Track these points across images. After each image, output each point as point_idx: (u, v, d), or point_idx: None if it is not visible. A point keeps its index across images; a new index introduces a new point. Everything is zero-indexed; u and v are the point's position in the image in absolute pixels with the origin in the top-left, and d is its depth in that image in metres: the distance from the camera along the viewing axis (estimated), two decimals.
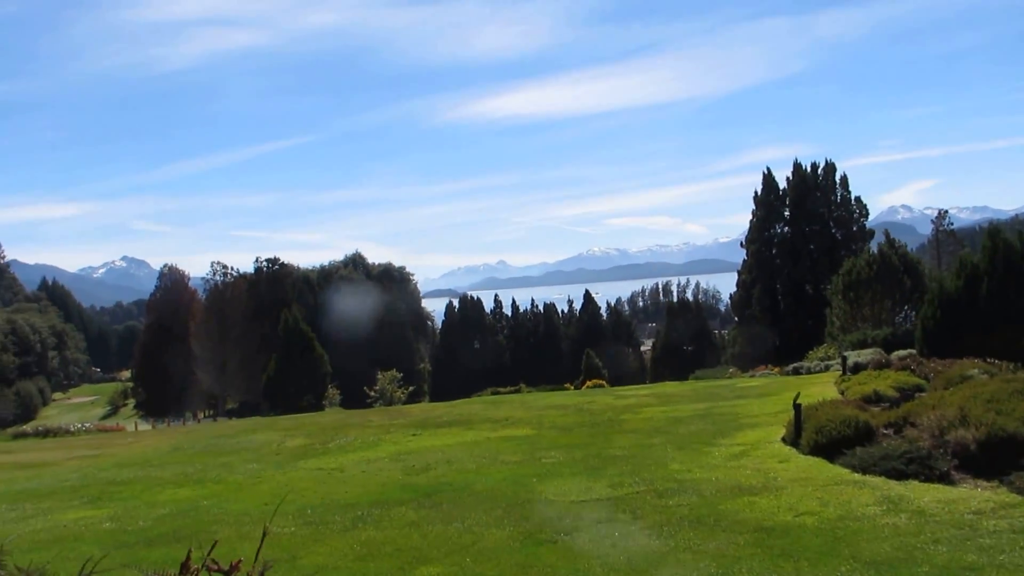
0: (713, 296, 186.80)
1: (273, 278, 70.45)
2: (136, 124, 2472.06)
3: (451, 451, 16.52)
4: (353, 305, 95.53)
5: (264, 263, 71.44)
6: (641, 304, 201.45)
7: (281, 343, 48.96)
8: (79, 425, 46.51)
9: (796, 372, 33.31)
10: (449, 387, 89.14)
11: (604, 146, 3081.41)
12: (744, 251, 63.17)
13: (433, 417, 22.47)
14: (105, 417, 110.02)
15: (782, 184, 61.70)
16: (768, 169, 62.36)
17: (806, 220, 60.29)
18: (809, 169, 60.75)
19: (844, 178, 60.00)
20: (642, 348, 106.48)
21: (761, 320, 59.65)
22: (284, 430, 22.50)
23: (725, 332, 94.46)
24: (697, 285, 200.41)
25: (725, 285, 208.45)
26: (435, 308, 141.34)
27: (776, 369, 37.57)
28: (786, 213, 61.47)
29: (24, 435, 43.34)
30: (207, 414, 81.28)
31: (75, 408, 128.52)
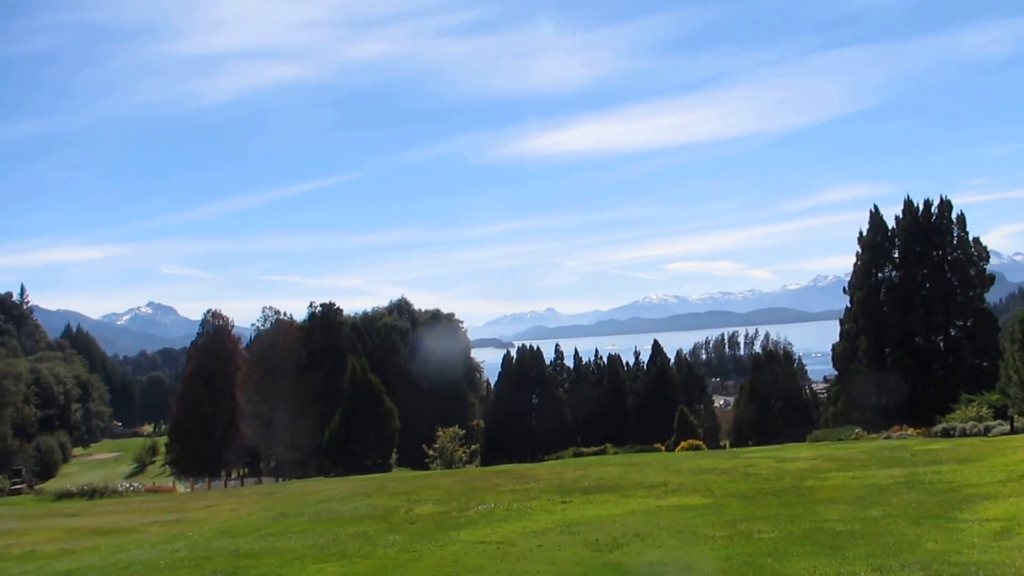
0: (784, 349, 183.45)
1: (328, 325, 69.80)
2: (168, 163, 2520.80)
3: (627, 522, 15.25)
4: (402, 355, 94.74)
5: (318, 308, 70.89)
6: (704, 356, 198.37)
7: (347, 395, 47.99)
8: (126, 485, 45.81)
9: (947, 434, 31.57)
10: (505, 446, 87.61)
11: (664, 185, 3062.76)
12: (848, 298, 61.18)
13: (569, 481, 21.21)
14: (131, 475, 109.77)
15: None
16: (875, 207, 60.84)
17: (918, 264, 58.33)
18: (922, 207, 58.92)
19: (961, 217, 58.03)
20: (714, 404, 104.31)
21: (868, 375, 57.61)
22: (402, 494, 21.34)
23: (816, 388, 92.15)
24: (766, 336, 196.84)
25: (797, 336, 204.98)
26: (483, 359, 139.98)
27: (914, 430, 35.78)
28: (895, 255, 59.62)
29: (69, 495, 42.56)
30: (242, 473, 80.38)
31: (98, 465, 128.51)
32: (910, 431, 35.87)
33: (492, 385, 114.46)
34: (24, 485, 47.74)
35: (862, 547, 12.18)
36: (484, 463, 70.00)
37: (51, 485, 61.54)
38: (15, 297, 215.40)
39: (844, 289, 62.62)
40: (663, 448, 50.20)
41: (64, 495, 42.82)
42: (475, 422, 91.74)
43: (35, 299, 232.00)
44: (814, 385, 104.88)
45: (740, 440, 73.73)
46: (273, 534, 17.43)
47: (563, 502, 17.96)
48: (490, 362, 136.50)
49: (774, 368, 75.76)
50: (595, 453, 46.21)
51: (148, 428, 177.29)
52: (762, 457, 24.52)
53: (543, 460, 63.41)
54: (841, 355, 60.64)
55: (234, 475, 78.47)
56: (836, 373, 66.90)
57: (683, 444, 47.62)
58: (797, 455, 24.50)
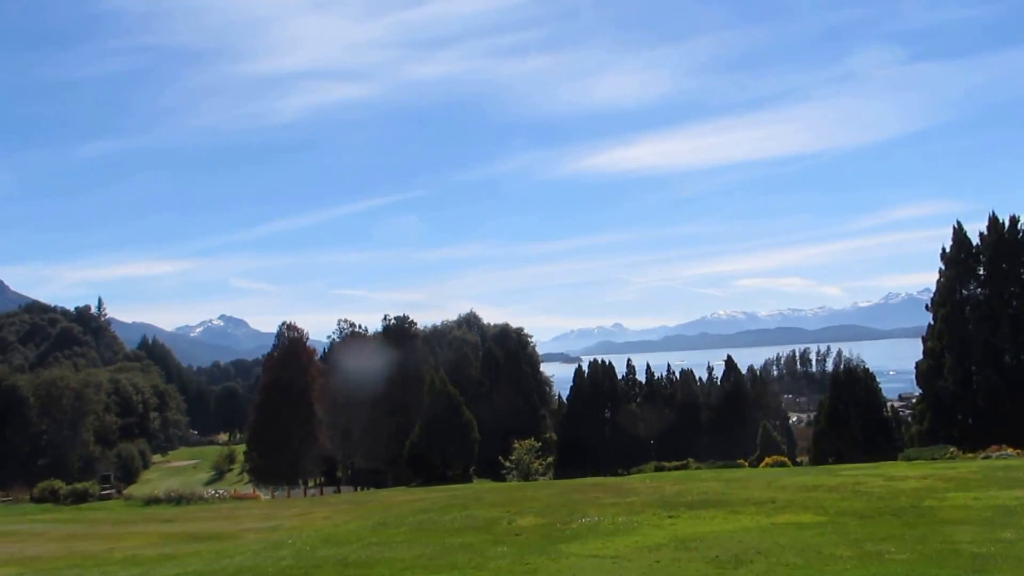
0: (864, 367, 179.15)
1: (402, 338, 70.25)
2: (238, 180, 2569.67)
3: (744, 539, 14.73)
4: (473, 367, 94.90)
5: (393, 321, 71.35)
6: (775, 373, 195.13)
7: (427, 407, 48.04)
8: (212, 491, 46.50)
9: None
10: (578, 459, 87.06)
11: (732, 202, 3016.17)
12: (932, 315, 59.70)
13: (670, 496, 20.73)
14: (210, 482, 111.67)
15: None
16: (959, 223, 59.25)
17: (1005, 281, 56.70)
18: (1007, 223, 57.34)
19: None
20: (789, 421, 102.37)
21: (954, 394, 56.00)
22: (500, 506, 21.10)
23: (893, 406, 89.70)
24: (839, 353, 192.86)
25: (868, 354, 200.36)
26: (551, 373, 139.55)
27: (1013, 450, 34.45)
28: (980, 272, 58.00)
29: (157, 501, 43.34)
30: (319, 481, 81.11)
31: (176, 472, 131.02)
32: (1010, 451, 34.55)
33: (561, 399, 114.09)
34: (113, 491, 48.77)
35: (1007, 571, 11.53)
36: (557, 476, 69.62)
37: (134, 491, 62.81)
38: (93, 310, 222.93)
39: (927, 306, 61.12)
40: (747, 464, 49.17)
41: (152, 501, 43.66)
42: (547, 435, 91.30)
43: (111, 312, 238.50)
44: (889, 404, 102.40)
45: (819, 458, 72.04)
46: (377, 544, 17.29)
47: (670, 517, 17.50)
48: (558, 376, 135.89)
49: (854, 385, 73.84)
50: (676, 468, 45.46)
51: (223, 437, 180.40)
52: (868, 475, 23.70)
53: (619, 474, 62.69)
54: (926, 373, 58.93)
55: (310, 483, 79.23)
56: (918, 391, 65.22)
57: (767, 460, 46.55)
58: (905, 474, 23.63)
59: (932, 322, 59.86)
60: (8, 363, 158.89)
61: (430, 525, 19.10)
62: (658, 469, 46.05)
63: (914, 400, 73.73)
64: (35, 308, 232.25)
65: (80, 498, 44.86)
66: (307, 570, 15.01)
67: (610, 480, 31.29)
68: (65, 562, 20.35)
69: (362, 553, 16.18)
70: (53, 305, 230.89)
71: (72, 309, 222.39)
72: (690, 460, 50.96)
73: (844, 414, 72.73)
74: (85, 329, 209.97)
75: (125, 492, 50.63)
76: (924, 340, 60.82)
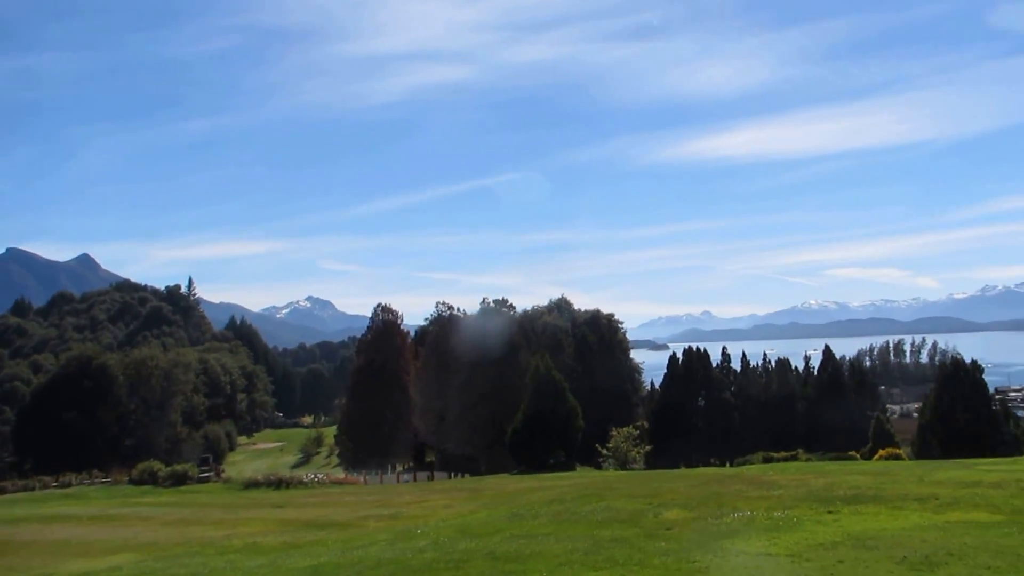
0: (973, 359, 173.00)
1: (499, 321, 70.09)
2: (331, 161, 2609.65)
3: (926, 537, 13.79)
4: (567, 354, 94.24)
5: (491, 304, 71.32)
6: (868, 364, 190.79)
7: (531, 392, 47.68)
8: (311, 476, 46.70)
9: None
10: (670, 448, 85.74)
11: (826, 191, 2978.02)
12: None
13: (819, 490, 19.86)
14: (297, 465, 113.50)
15: None
16: None
17: None
18: None
19: None
20: (888, 414, 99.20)
21: None
22: (638, 497, 20.51)
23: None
24: (934, 345, 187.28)
25: (963, 347, 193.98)
26: (641, 360, 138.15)
27: None
28: None
29: (257, 484, 43.37)
30: (411, 467, 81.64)
31: (263, 455, 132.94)
32: None
33: (653, 386, 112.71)
34: (211, 473, 48.79)
35: None
36: (649, 465, 68.71)
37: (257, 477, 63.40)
38: (183, 289, 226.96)
39: None
40: (858, 456, 47.67)
41: (252, 484, 43.56)
42: (641, 422, 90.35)
43: (200, 292, 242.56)
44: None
45: (924, 451, 70.00)
46: (520, 536, 16.80)
47: (829, 512, 16.66)
48: (647, 363, 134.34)
49: (961, 378, 71.29)
50: (786, 458, 44.32)
51: (308, 419, 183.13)
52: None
53: (712, 464, 61.38)
54: None
55: (400, 468, 79.87)
56: (1016, 385, 62.55)
57: (881, 452, 45.18)
58: None
59: None
60: (98, 341, 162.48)
61: (569, 517, 18.58)
62: (766, 459, 44.98)
63: (1011, 393, 70.69)
64: (125, 287, 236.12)
65: (179, 480, 44.82)
66: (456, 564, 14.52)
67: (746, 472, 30.33)
68: (184, 549, 20.30)
69: (509, 546, 15.70)
70: (143, 284, 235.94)
71: (162, 288, 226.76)
72: (800, 451, 49.69)
73: (951, 407, 70.34)
74: (175, 308, 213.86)
75: (224, 475, 50.94)
76: None
